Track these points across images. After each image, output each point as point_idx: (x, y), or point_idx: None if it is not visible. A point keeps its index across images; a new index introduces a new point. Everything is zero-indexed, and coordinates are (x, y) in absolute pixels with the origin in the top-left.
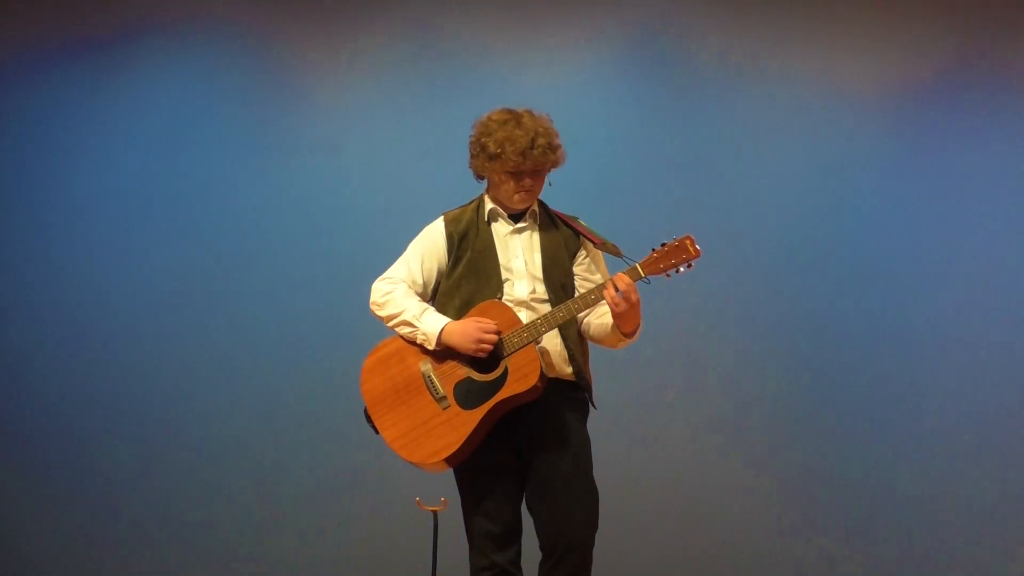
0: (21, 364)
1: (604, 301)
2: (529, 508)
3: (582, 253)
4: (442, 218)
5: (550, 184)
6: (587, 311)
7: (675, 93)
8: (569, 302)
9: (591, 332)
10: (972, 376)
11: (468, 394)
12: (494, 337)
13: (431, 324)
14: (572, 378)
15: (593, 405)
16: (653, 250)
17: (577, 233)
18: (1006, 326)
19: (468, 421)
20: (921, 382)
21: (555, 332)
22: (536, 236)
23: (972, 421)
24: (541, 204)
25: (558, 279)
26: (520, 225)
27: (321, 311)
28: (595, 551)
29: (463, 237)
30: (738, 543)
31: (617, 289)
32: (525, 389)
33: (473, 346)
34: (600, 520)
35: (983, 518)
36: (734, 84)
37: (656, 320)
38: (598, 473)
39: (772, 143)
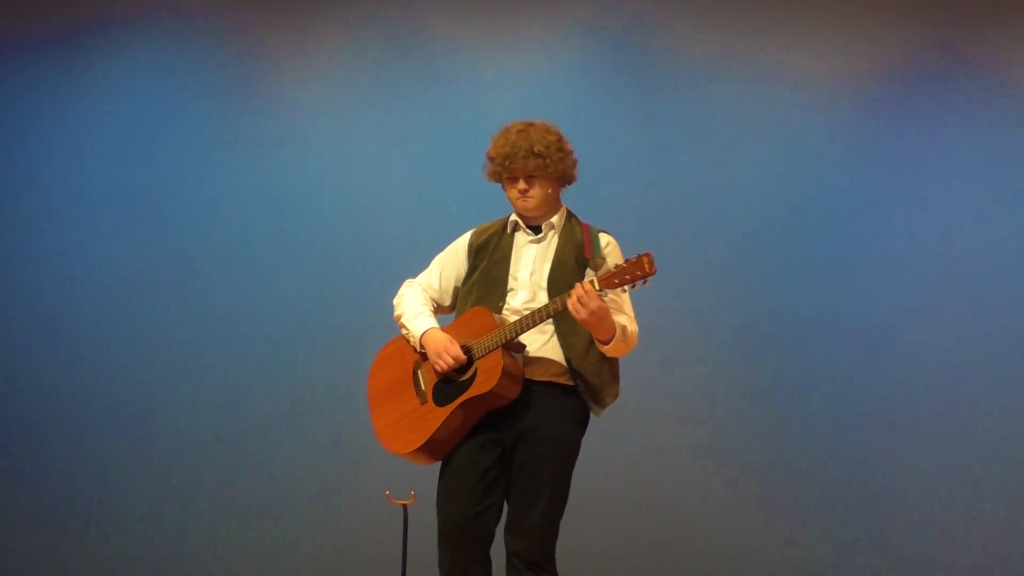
0: None
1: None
2: (506, 499)
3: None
4: (472, 230)
5: (548, 191)
6: None
7: (641, 86)
8: (535, 310)
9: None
10: (947, 369)
11: (443, 392)
12: (450, 360)
13: (418, 327)
14: (568, 382)
15: (595, 413)
16: (615, 264)
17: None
18: (979, 317)
19: (437, 417)
20: (894, 376)
21: (554, 339)
22: (552, 247)
23: (948, 415)
24: (568, 215)
25: (563, 288)
26: (539, 236)
27: (292, 305)
28: (577, 549)
29: (482, 247)
30: (714, 539)
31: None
32: (487, 390)
33: (433, 358)
34: (582, 518)
35: (957, 511)
36: (702, 78)
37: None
38: (581, 471)
39: (739, 136)
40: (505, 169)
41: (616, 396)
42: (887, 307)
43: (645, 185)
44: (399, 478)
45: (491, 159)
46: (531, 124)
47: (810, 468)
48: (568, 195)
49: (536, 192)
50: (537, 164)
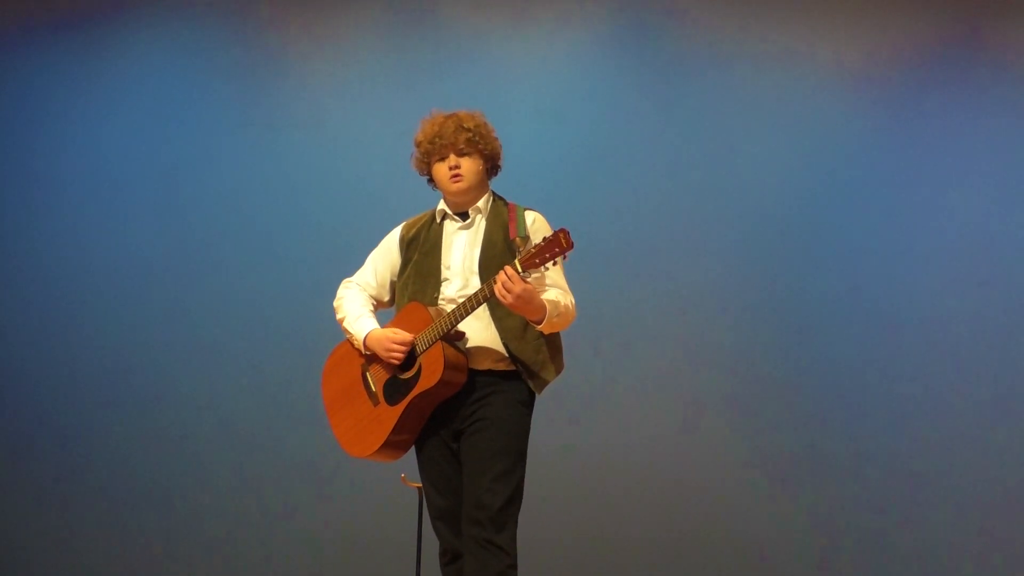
0: (1, 343)
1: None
2: None
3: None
4: (402, 224)
5: (478, 169)
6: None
7: (661, 71)
8: (466, 299)
9: None
10: (966, 356)
11: (393, 391)
12: (402, 348)
13: (360, 330)
14: (508, 368)
15: (537, 392)
16: (535, 244)
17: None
18: (998, 306)
19: (392, 416)
20: (911, 362)
21: (490, 325)
22: (481, 232)
23: (967, 403)
24: (495, 198)
25: (495, 271)
26: (467, 221)
27: (305, 288)
28: (581, 534)
29: (413, 240)
30: (726, 526)
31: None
32: (433, 384)
33: (384, 354)
34: (584, 505)
35: (976, 500)
36: (720, 63)
37: (642, 303)
38: (582, 458)
39: (758, 122)
40: (435, 148)
41: (560, 370)
42: (904, 294)
43: (662, 170)
44: (414, 462)
45: (419, 143)
46: (460, 112)
47: (822, 456)
48: (582, 177)
49: (467, 169)
50: (467, 138)
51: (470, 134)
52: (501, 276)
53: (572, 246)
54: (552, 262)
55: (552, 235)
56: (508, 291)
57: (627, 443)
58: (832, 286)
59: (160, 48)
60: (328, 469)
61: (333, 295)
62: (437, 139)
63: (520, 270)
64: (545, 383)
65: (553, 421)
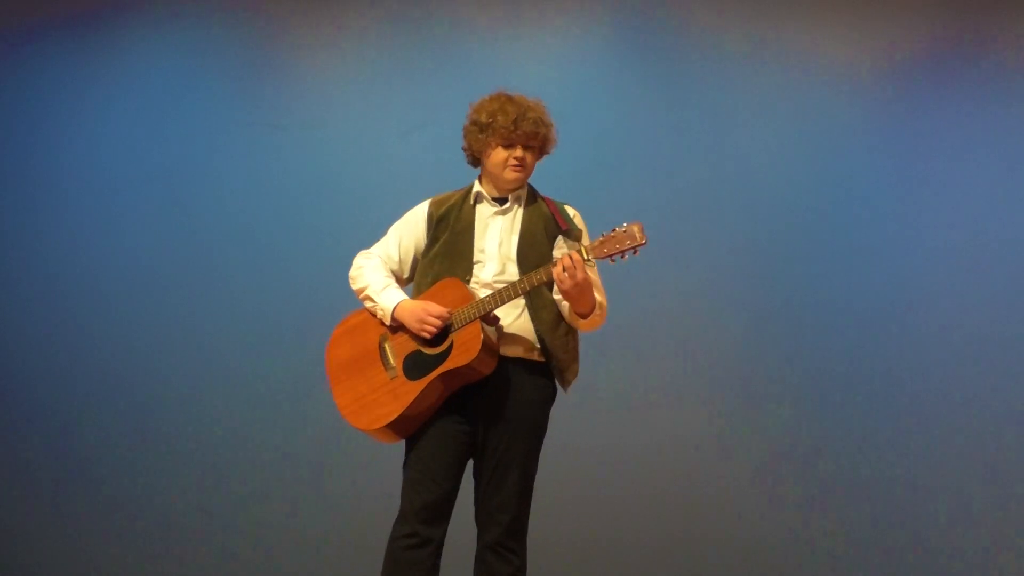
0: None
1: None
2: (475, 481)
3: (563, 237)
4: (429, 200)
5: (535, 164)
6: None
7: (663, 71)
8: (517, 280)
9: (564, 313)
10: (972, 359)
11: (415, 365)
12: (437, 322)
13: (388, 300)
14: (539, 359)
15: (564, 390)
16: (603, 234)
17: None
18: (1004, 308)
19: (411, 391)
20: (916, 366)
21: (525, 313)
22: (519, 218)
23: (973, 407)
24: (530, 188)
25: (533, 260)
26: (504, 207)
27: (305, 288)
28: (587, 537)
29: (443, 218)
30: (727, 532)
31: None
32: (465, 363)
33: (417, 325)
34: (594, 506)
35: (977, 504)
36: (725, 63)
37: (646, 303)
38: (587, 462)
39: (761, 121)
40: (505, 133)
41: (577, 373)
42: (910, 296)
43: (666, 170)
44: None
45: (487, 123)
46: (521, 96)
47: (833, 459)
48: (584, 177)
49: (530, 163)
50: (542, 135)
51: (547, 130)
52: (565, 260)
53: (647, 242)
54: (622, 255)
55: (626, 227)
56: (570, 276)
57: (632, 446)
58: (838, 288)
59: (160, 48)
60: (329, 469)
61: (333, 295)
62: (513, 126)
63: (587, 257)
64: (569, 383)
65: (557, 425)
